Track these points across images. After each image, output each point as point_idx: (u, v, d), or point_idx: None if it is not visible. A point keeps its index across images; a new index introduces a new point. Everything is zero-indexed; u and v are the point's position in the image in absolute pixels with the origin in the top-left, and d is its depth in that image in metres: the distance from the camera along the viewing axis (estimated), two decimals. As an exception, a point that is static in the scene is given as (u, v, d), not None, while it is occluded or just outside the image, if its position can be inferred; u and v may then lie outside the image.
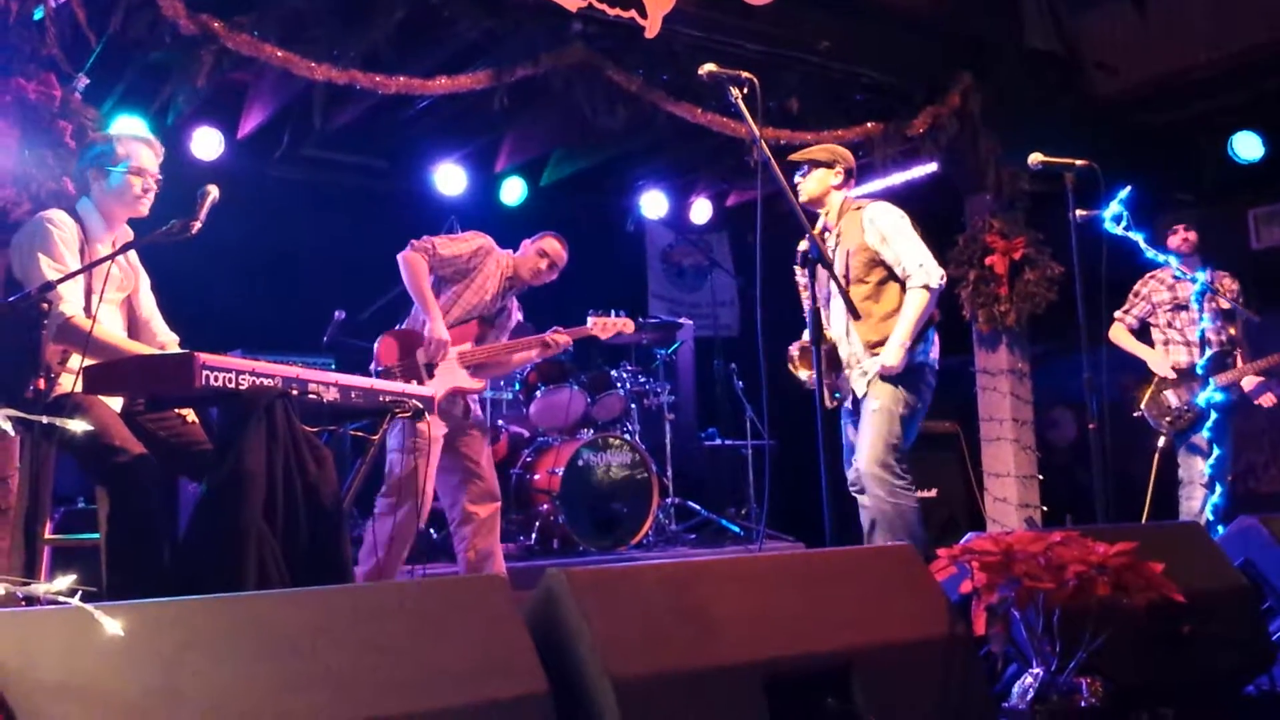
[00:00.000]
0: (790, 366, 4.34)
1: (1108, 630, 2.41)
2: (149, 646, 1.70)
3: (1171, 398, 5.39)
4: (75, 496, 5.15)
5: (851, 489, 4.35)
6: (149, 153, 3.39)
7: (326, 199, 7.22)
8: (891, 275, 4.21)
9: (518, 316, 4.93)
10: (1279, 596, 3.24)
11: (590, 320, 4.96)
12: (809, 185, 4.36)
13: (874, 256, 4.21)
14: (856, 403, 4.27)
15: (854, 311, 3.97)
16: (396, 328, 4.69)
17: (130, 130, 3.43)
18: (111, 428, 3.00)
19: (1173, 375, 5.42)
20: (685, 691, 2.07)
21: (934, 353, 4.25)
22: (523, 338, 4.82)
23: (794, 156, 4.40)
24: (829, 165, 4.34)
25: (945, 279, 4.21)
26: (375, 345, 4.61)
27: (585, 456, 6.10)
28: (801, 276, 4.22)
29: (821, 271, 4.27)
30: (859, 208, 4.30)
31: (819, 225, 4.41)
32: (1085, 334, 4.10)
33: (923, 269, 4.13)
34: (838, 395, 4.30)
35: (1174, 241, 5.40)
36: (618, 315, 5.06)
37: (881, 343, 4.15)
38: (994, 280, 6.15)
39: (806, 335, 4.16)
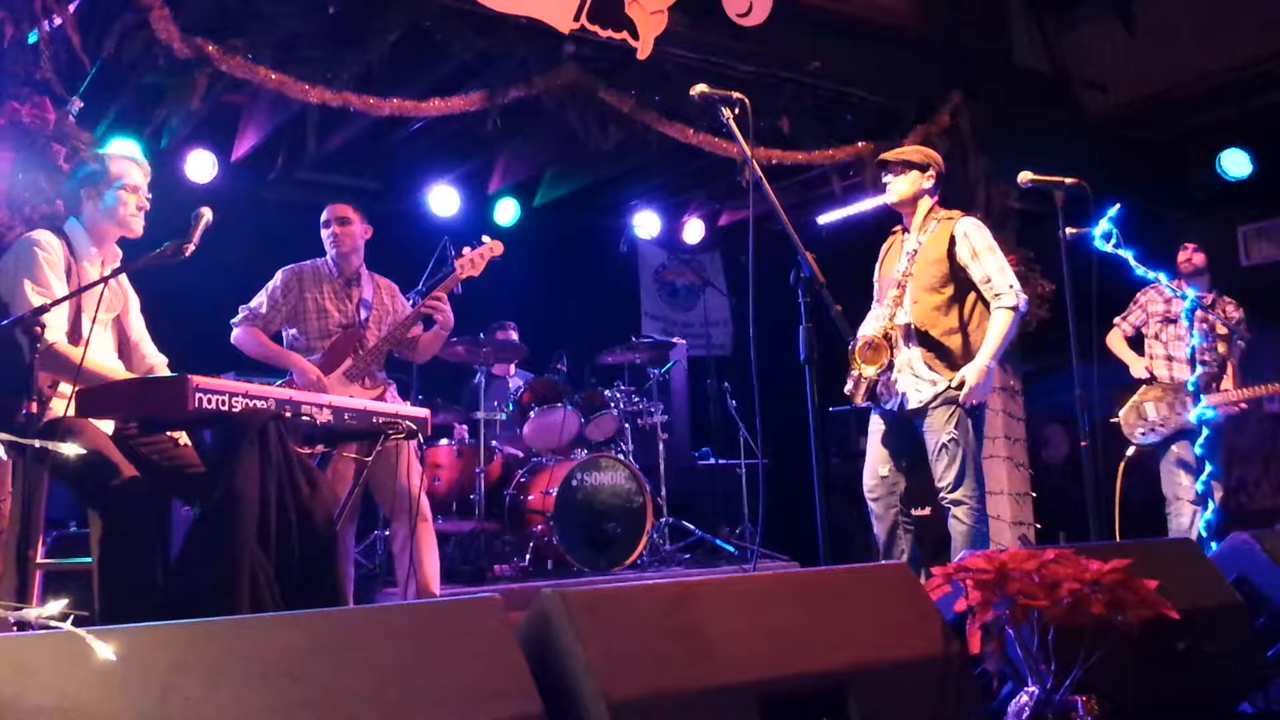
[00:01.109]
0: (853, 362, 4.26)
1: (1102, 648, 2.41)
2: (142, 671, 1.69)
3: (1150, 410, 5.42)
4: (67, 520, 5.13)
5: (869, 495, 4.33)
6: (139, 172, 3.40)
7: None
8: (961, 292, 4.18)
9: (397, 300, 4.69)
10: (1273, 613, 3.24)
11: (457, 265, 4.57)
12: (902, 186, 4.27)
13: (955, 270, 4.17)
14: (901, 410, 4.22)
15: (906, 333, 4.13)
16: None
17: (120, 150, 3.43)
18: (104, 451, 2.99)
19: (1146, 376, 5.47)
20: (680, 712, 2.07)
21: (994, 372, 4.25)
22: (400, 319, 4.55)
23: (886, 156, 4.33)
24: (923, 168, 4.27)
25: (1026, 312, 4.25)
26: None
27: (579, 477, 6.09)
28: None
29: (882, 271, 4.40)
30: (950, 218, 4.25)
31: (903, 226, 4.40)
32: (1076, 351, 4.11)
33: (1013, 290, 4.11)
34: (882, 403, 4.25)
35: (1180, 257, 5.43)
36: (482, 244, 4.61)
37: (941, 356, 4.13)
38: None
39: (867, 329, 4.31)
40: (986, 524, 4.19)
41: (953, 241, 4.18)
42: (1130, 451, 5.47)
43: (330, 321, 4.50)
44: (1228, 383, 5.36)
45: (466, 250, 4.59)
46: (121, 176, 3.34)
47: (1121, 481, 5.45)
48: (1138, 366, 5.55)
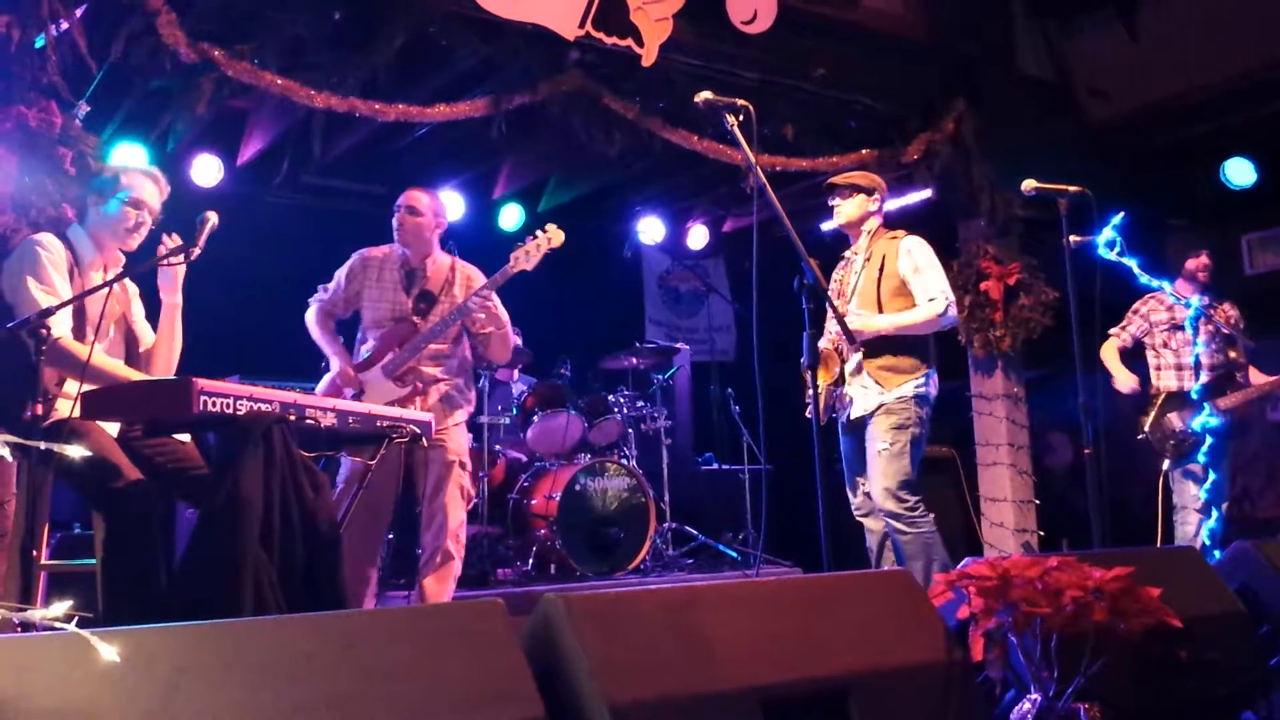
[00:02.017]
0: (807, 373, 4.28)
1: (1105, 656, 2.41)
2: (145, 673, 1.70)
3: (1175, 421, 5.39)
4: (71, 522, 5.14)
5: (856, 513, 4.46)
6: (153, 188, 3.41)
7: (325, 225, 7.23)
8: (905, 308, 4.33)
9: (470, 289, 4.40)
10: (1276, 621, 3.23)
11: (512, 258, 4.31)
12: (849, 209, 4.48)
13: (900, 286, 4.35)
14: (855, 423, 4.35)
15: (850, 337, 4.16)
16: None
17: (138, 164, 3.45)
18: (109, 453, 3.00)
19: (1131, 390, 5.46)
20: (683, 717, 2.07)
21: (933, 389, 4.35)
22: (446, 316, 4.34)
23: (834, 180, 4.53)
24: (869, 192, 4.48)
25: (957, 323, 4.34)
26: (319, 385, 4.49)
27: (582, 481, 6.10)
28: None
29: (833, 290, 4.50)
30: (895, 237, 4.43)
31: (851, 249, 4.56)
32: (1080, 359, 4.11)
33: (945, 297, 4.28)
34: (834, 414, 4.39)
35: (1192, 265, 5.41)
36: (539, 236, 4.36)
37: (886, 367, 4.27)
38: (989, 305, 6.17)
39: (823, 341, 4.39)
40: (933, 531, 4.24)
41: (897, 258, 4.36)
42: (1165, 465, 5.44)
43: (385, 312, 4.41)
44: (1254, 379, 5.33)
45: (523, 246, 4.32)
46: (130, 189, 3.35)
47: (1161, 494, 5.45)
48: (1126, 383, 5.52)
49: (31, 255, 3.17)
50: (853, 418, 4.34)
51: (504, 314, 4.40)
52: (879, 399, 4.26)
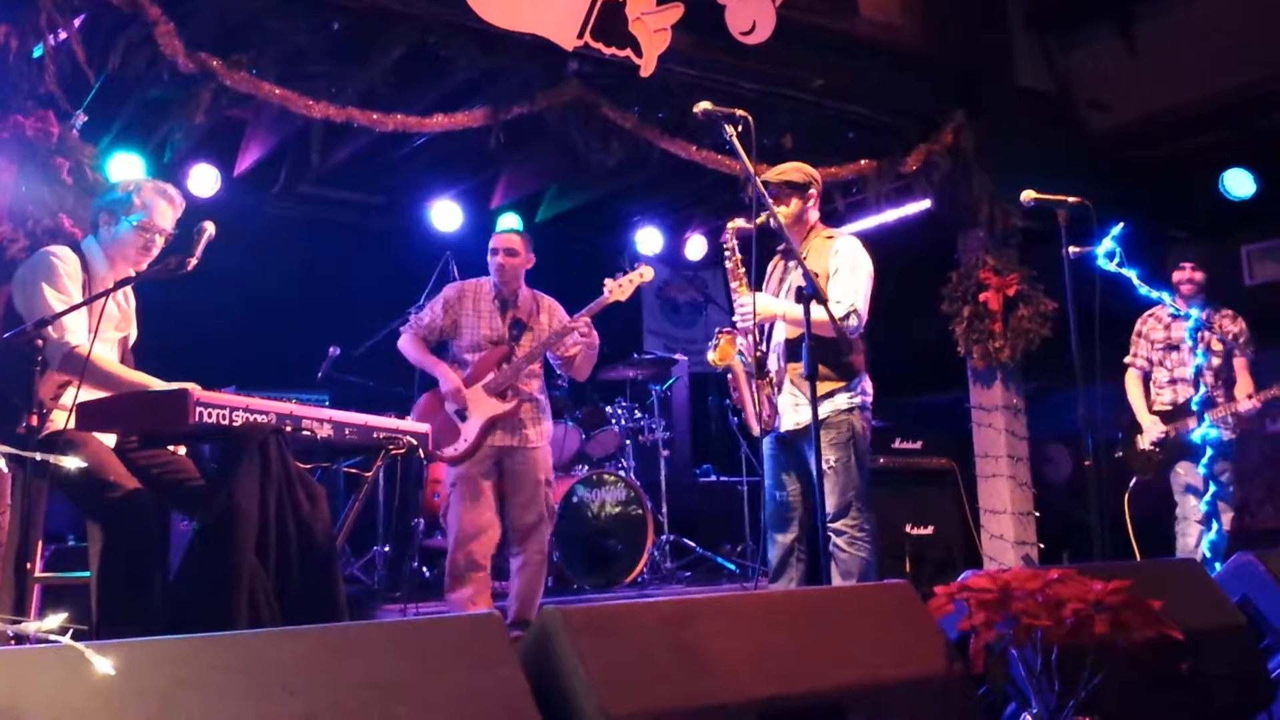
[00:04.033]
0: (713, 353, 4.13)
1: (1106, 668, 2.39)
2: (140, 685, 1.68)
3: (1142, 440, 5.47)
4: (66, 534, 5.12)
5: (766, 523, 4.21)
6: (169, 211, 3.39)
7: (323, 235, 7.24)
8: None
9: (556, 320, 4.89)
10: (1277, 634, 3.22)
11: (606, 288, 4.76)
12: (788, 209, 4.15)
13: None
14: (787, 435, 4.13)
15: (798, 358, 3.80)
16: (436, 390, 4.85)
17: (155, 184, 3.42)
18: (106, 463, 2.99)
19: (1152, 442, 5.46)
20: (681, 731, 2.05)
21: (868, 395, 4.14)
22: (544, 339, 4.80)
23: (766, 177, 4.15)
24: (805, 187, 4.18)
25: (858, 335, 4.06)
26: (415, 404, 4.86)
27: (580, 493, 6.08)
28: (740, 295, 4.07)
29: (766, 291, 4.26)
30: (832, 236, 4.20)
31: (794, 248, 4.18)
32: (1080, 370, 4.10)
33: (854, 311, 3.97)
34: (778, 428, 4.10)
35: (1178, 276, 5.40)
36: (631, 271, 4.80)
37: (821, 375, 3.86)
38: (988, 316, 6.17)
39: (737, 320, 4.08)
40: (871, 555, 4.03)
41: (828, 256, 4.10)
42: (1132, 482, 5.48)
43: (482, 337, 4.79)
44: (1242, 388, 5.31)
45: (617, 279, 4.75)
46: (144, 211, 3.32)
47: (1128, 508, 5.47)
48: (1150, 432, 5.49)
49: (47, 264, 3.16)
50: (787, 428, 4.09)
51: (597, 338, 4.78)
52: (809, 414, 3.66)
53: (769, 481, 4.22)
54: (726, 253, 4.13)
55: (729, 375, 4.17)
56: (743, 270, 4.06)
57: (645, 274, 4.81)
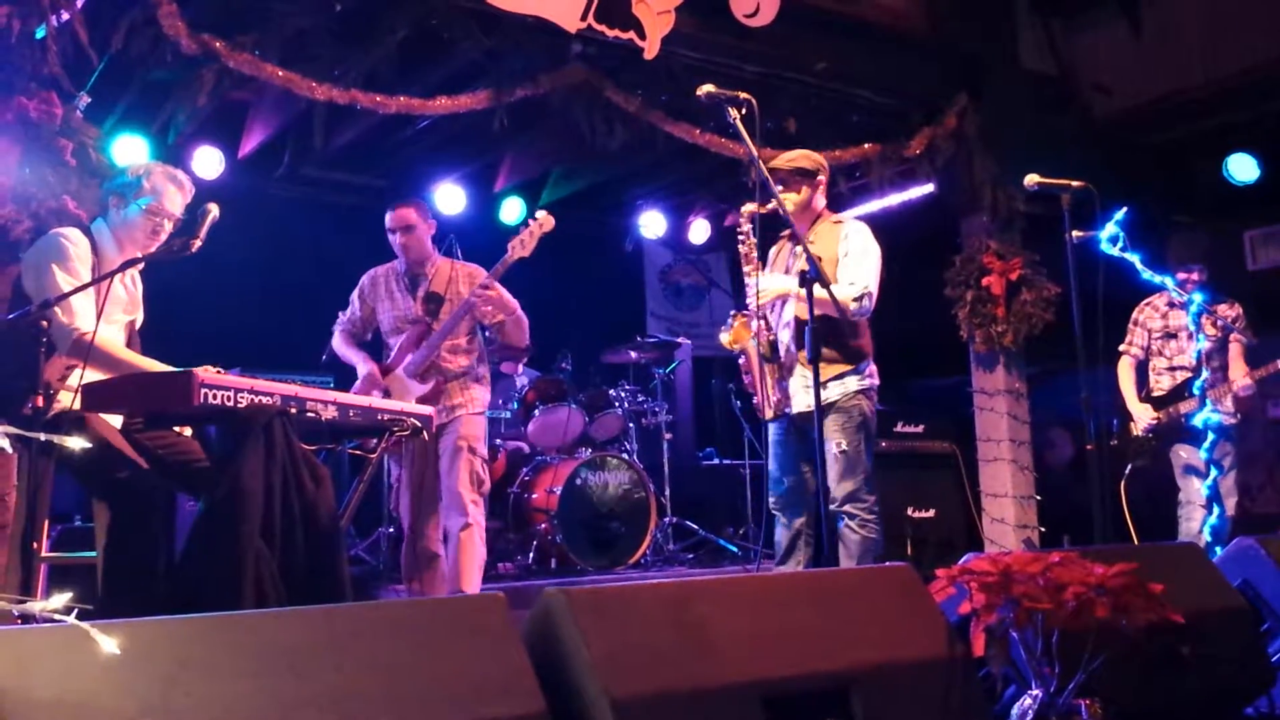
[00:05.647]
0: (726, 335, 4.18)
1: (1107, 651, 2.40)
2: (145, 665, 1.69)
3: (1135, 429, 5.47)
4: (72, 514, 5.14)
5: (773, 507, 4.24)
6: (179, 196, 3.39)
7: (326, 218, 7.23)
8: None
9: (474, 283, 4.55)
10: (1277, 617, 3.23)
11: (509, 246, 4.48)
12: (798, 196, 4.19)
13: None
14: (797, 418, 4.13)
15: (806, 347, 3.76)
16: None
17: (165, 169, 3.42)
18: (112, 444, 3.00)
19: (1144, 428, 5.46)
20: (684, 711, 2.06)
21: (875, 379, 4.17)
22: (456, 312, 4.52)
23: (776, 164, 4.21)
24: (814, 174, 4.23)
25: (866, 318, 4.12)
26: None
27: (583, 476, 6.10)
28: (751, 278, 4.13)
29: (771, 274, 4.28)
30: (839, 221, 4.26)
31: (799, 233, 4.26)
32: (1082, 354, 4.10)
33: (867, 291, 4.03)
34: (786, 410, 4.13)
35: (1180, 277, 5.38)
36: (531, 223, 4.53)
37: (829, 360, 4.01)
38: (991, 301, 6.16)
39: (751, 303, 4.12)
40: (880, 534, 4.07)
41: (837, 241, 4.15)
42: (1127, 469, 5.50)
43: (397, 319, 4.65)
44: (1237, 371, 5.31)
45: (518, 235, 4.49)
46: (154, 195, 3.32)
47: (1125, 493, 5.49)
48: (1141, 419, 5.49)
49: (58, 246, 3.17)
50: (798, 411, 4.09)
51: (511, 299, 4.52)
52: (824, 394, 3.91)
53: (774, 466, 4.24)
54: (741, 236, 4.15)
55: (741, 358, 4.19)
56: (756, 254, 4.07)
57: (545, 223, 4.52)
